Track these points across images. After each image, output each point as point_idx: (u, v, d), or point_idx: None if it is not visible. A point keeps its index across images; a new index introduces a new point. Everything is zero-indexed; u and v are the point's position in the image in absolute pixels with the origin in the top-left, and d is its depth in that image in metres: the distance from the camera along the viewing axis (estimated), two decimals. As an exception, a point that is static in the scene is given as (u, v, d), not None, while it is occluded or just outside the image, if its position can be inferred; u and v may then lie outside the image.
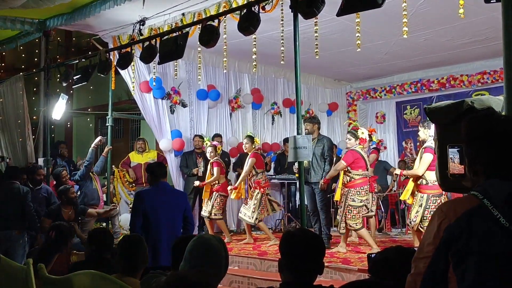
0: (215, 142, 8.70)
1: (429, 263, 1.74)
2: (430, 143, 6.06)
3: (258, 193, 7.91)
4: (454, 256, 1.70)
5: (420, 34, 8.03)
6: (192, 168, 8.96)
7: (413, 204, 6.32)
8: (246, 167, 7.99)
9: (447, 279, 1.72)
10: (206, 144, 8.66)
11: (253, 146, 8.18)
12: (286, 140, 9.71)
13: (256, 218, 7.82)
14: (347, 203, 6.82)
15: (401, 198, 7.02)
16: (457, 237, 1.69)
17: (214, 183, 8.27)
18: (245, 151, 8.37)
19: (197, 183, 8.53)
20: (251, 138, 8.26)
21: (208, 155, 8.42)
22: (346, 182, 6.92)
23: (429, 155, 6.01)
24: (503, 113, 3.70)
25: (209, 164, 8.40)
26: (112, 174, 9.33)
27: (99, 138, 8.79)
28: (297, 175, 7.35)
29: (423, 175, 6.12)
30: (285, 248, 2.39)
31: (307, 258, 2.32)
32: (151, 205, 5.00)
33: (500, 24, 3.83)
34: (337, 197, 7.06)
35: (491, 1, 4.09)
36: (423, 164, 6.09)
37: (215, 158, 8.37)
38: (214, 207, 8.18)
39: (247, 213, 7.92)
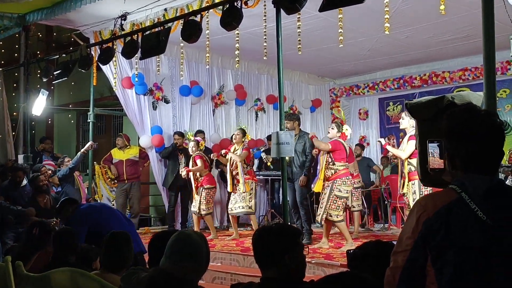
0: (198, 138, 8.66)
1: (407, 256, 1.74)
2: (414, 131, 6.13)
3: (252, 182, 7.98)
4: (432, 250, 1.70)
5: (402, 31, 8.08)
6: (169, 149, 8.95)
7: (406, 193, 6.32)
8: (238, 156, 7.94)
9: (426, 273, 1.72)
10: (189, 139, 8.59)
11: (243, 140, 8.14)
12: (269, 138, 9.70)
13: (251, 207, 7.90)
14: (332, 194, 6.77)
15: (314, 190, 7.17)
16: (435, 231, 1.70)
17: (197, 177, 8.21)
18: (233, 141, 8.25)
19: (183, 172, 8.43)
20: (243, 131, 8.23)
21: (190, 149, 8.36)
22: (330, 176, 6.89)
23: (414, 142, 6.10)
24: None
25: (191, 159, 8.32)
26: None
27: (90, 143, 8.68)
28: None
29: (408, 161, 6.17)
30: (255, 242, 2.39)
31: (278, 252, 2.31)
32: (98, 218, 5.02)
33: (480, 22, 3.87)
34: (317, 188, 7.02)
35: (472, -3, 4.12)
36: (408, 149, 6.14)
37: (197, 152, 8.31)
38: (202, 202, 8.11)
39: (243, 204, 7.88)
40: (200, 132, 9.31)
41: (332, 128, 7.04)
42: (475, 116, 1.81)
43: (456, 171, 1.83)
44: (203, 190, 8.16)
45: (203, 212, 8.12)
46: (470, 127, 1.78)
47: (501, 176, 7.15)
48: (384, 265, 1.83)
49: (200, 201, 8.09)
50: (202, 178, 8.20)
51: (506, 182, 6.82)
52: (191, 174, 8.22)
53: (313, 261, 5.99)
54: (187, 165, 8.72)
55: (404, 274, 1.75)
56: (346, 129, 7.16)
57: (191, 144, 8.33)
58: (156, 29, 6.87)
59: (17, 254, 4.13)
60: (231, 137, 9.63)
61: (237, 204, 7.97)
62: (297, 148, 7.37)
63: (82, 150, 8.58)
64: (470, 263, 1.65)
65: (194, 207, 8.22)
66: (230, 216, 8.34)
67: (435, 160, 2.10)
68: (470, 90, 8.97)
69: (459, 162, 1.81)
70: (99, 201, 9.30)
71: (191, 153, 8.33)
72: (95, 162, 9.28)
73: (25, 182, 7.18)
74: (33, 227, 4.66)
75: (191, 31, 6.35)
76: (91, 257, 3.67)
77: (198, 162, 8.13)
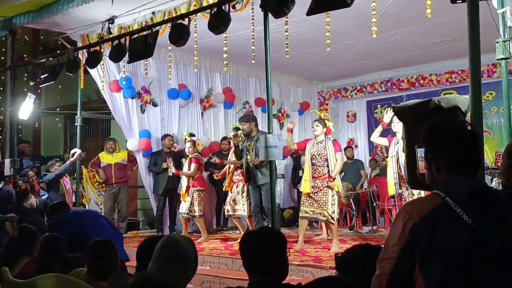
0: (194, 138, 8.65)
1: (394, 263, 1.75)
2: None
3: (243, 185, 7.83)
4: (420, 255, 1.72)
5: (389, 34, 8.12)
6: (161, 165, 8.88)
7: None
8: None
9: (413, 279, 1.73)
10: (186, 139, 8.58)
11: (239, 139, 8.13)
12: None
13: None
14: (333, 192, 6.75)
15: (302, 190, 7.16)
16: (422, 237, 1.72)
17: (189, 178, 8.18)
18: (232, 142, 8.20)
19: (173, 169, 8.43)
20: (238, 130, 8.13)
21: (186, 150, 8.35)
22: (326, 173, 6.83)
23: None
24: (469, 112, 3.78)
25: (187, 159, 8.30)
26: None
27: (78, 153, 8.59)
28: None
29: None
30: (243, 247, 2.39)
31: (266, 256, 2.31)
32: (77, 225, 4.97)
33: (466, 25, 3.90)
34: (305, 189, 6.99)
35: (457, 1, 4.15)
36: None
37: (195, 154, 8.29)
38: (193, 204, 8.06)
39: (244, 208, 7.81)
40: (191, 135, 9.28)
41: (317, 126, 7.04)
42: (454, 123, 1.90)
43: (437, 176, 1.87)
44: (195, 191, 8.13)
45: (196, 214, 8.07)
46: (448, 134, 1.85)
47: (488, 178, 7.21)
48: (373, 269, 1.84)
49: (191, 203, 8.06)
50: (194, 179, 8.18)
51: (492, 184, 6.88)
52: (184, 180, 8.22)
53: (302, 264, 6.00)
54: (178, 167, 8.70)
55: (392, 282, 1.75)
56: (329, 123, 7.20)
57: (187, 144, 8.33)
58: (144, 33, 6.85)
59: (2, 260, 4.06)
60: (221, 140, 9.63)
61: (240, 206, 7.87)
62: (257, 151, 7.24)
63: (71, 159, 8.52)
64: (457, 266, 1.67)
65: (183, 209, 8.17)
66: (232, 219, 8.22)
67: (424, 164, 2.12)
68: (457, 93, 9.04)
69: (440, 168, 1.85)
70: (86, 205, 9.25)
71: (187, 153, 8.33)
72: (82, 166, 9.22)
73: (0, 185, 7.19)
74: (14, 231, 4.58)
75: (179, 35, 6.34)
76: (77, 266, 3.59)
77: (193, 166, 8.12)
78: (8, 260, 3.96)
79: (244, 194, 7.82)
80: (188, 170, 8.20)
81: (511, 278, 1.67)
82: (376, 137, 7.01)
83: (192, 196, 8.09)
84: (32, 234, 4.29)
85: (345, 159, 10.66)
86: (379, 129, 6.92)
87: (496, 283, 1.66)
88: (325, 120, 7.20)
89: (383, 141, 7.12)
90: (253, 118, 7.77)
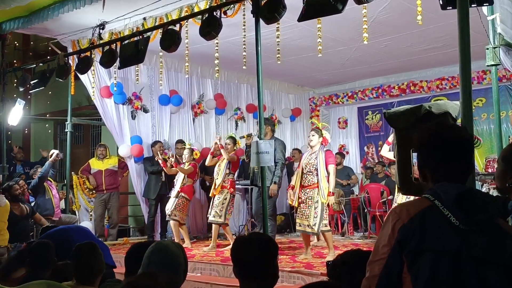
0: (194, 148, 8.62)
1: (384, 264, 1.77)
2: None
3: (227, 192, 7.79)
4: (408, 255, 1.74)
5: (380, 40, 8.16)
6: (158, 165, 8.81)
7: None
8: (226, 153, 7.82)
9: (402, 280, 1.74)
10: (187, 147, 8.55)
11: (235, 149, 8.09)
12: (248, 146, 9.63)
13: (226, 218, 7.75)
14: (316, 204, 6.62)
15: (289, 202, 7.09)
16: (411, 236, 1.75)
17: (182, 184, 8.14)
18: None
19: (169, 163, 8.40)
20: (233, 140, 8.13)
21: (183, 157, 8.39)
22: (316, 182, 6.69)
23: None
24: (460, 118, 3.79)
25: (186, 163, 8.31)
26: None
27: (55, 154, 8.49)
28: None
29: None
30: (236, 254, 2.38)
31: (259, 263, 2.29)
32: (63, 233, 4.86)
33: (457, 32, 3.93)
34: (294, 202, 6.89)
35: (448, 8, 4.18)
36: None
37: (191, 161, 8.30)
38: (176, 208, 8.02)
39: (213, 213, 7.77)
40: (180, 142, 9.26)
41: (313, 135, 6.94)
42: (445, 129, 1.91)
43: (426, 181, 1.90)
44: (181, 197, 8.09)
45: (174, 217, 8.02)
46: (438, 140, 1.87)
47: (478, 184, 7.23)
48: (364, 275, 1.84)
49: (175, 206, 8.02)
50: (185, 185, 8.14)
51: (483, 190, 6.90)
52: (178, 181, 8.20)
53: (293, 270, 5.99)
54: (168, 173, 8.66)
55: (381, 282, 1.77)
56: (326, 133, 7.08)
57: (186, 151, 8.36)
58: (135, 38, 6.84)
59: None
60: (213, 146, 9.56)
61: (211, 211, 7.86)
62: None
63: (49, 159, 8.42)
64: (445, 267, 1.70)
65: (168, 209, 8.11)
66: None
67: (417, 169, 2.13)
68: (448, 99, 9.09)
69: (429, 173, 1.89)
70: (77, 212, 9.18)
71: (183, 161, 8.33)
72: (72, 172, 9.16)
73: None
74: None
75: (170, 41, 6.35)
76: (66, 273, 3.49)
77: (186, 165, 8.16)
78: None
79: (225, 202, 7.76)
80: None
81: (497, 278, 1.69)
82: (386, 151, 6.96)
83: (176, 201, 8.06)
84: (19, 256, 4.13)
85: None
86: (386, 146, 6.90)
87: (483, 284, 1.68)
88: (322, 130, 7.05)
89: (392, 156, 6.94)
90: (270, 123, 7.90)
